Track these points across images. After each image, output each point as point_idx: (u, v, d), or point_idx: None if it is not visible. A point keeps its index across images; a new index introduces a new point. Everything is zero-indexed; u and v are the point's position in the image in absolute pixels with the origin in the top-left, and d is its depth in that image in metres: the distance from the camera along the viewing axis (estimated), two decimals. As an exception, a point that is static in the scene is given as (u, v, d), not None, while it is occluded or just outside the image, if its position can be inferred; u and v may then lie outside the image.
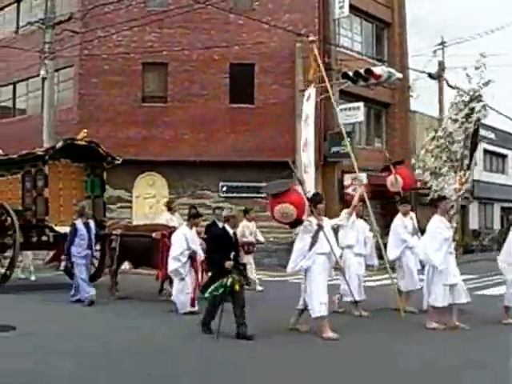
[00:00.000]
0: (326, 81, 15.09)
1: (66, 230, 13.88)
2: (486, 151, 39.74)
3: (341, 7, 24.84)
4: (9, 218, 14.63)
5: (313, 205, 9.78)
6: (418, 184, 29.07)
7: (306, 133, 16.91)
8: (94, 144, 15.69)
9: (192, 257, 11.70)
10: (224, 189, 24.35)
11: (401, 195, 13.35)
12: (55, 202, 15.23)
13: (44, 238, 14.89)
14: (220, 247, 9.88)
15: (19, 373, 7.24)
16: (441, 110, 28.46)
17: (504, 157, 42.72)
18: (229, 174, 24.04)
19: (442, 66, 28.45)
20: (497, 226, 40.70)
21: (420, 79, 30.17)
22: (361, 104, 24.46)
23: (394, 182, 13.22)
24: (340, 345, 9.08)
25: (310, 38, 16.79)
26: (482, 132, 38.81)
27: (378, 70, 19.87)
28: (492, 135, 39.78)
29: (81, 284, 12.84)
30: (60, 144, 15.09)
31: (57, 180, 15.44)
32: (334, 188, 25.07)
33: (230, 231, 10.20)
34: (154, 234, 12.94)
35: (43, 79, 21.98)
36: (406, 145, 29.70)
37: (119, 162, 16.18)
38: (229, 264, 9.35)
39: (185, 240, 11.62)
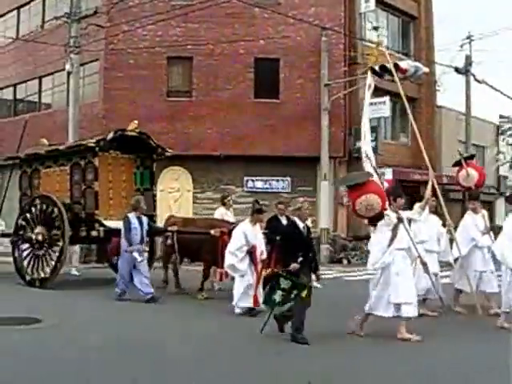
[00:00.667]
0: (395, 75, 14.53)
1: (115, 224, 13.43)
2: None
3: (367, 1, 24.66)
4: (57, 212, 13.98)
5: (392, 198, 9.26)
6: (445, 179, 28.90)
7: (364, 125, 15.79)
8: (145, 135, 14.98)
9: (252, 253, 10.91)
10: (248, 183, 24.31)
11: (472, 190, 12.72)
12: (104, 195, 14.55)
13: (94, 233, 14.09)
14: (287, 246, 9.06)
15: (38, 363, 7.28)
16: (468, 105, 28.15)
17: (532, 153, 42.20)
18: (253, 168, 23.99)
19: (468, 60, 28.10)
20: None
21: (447, 74, 29.89)
22: (387, 98, 24.25)
23: (465, 176, 12.48)
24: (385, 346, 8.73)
25: (374, 25, 16.10)
26: (510, 127, 38.52)
27: (405, 64, 19.56)
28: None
29: (118, 279, 12.48)
30: (111, 135, 14.23)
31: (106, 172, 14.71)
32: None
33: (300, 225, 9.11)
34: (212, 231, 12.30)
35: (68, 73, 22.06)
36: (432, 140, 29.41)
37: (169, 154, 15.66)
38: (294, 267, 8.62)
39: (244, 236, 10.91)
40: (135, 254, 12.11)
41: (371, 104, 24.23)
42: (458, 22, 41.83)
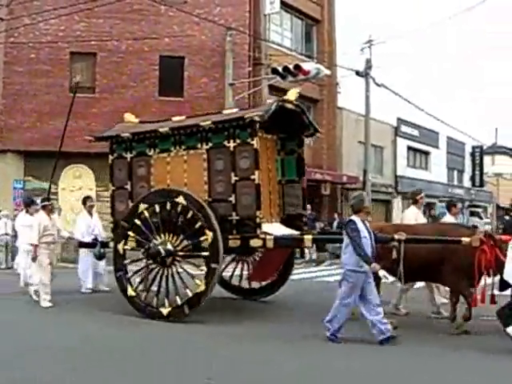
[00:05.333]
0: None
1: (275, 230, 10.69)
2: (409, 148, 40.84)
3: (272, 3, 25.10)
4: (197, 213, 10.17)
5: None
6: (345, 178, 29.73)
7: None
8: (301, 109, 11.51)
9: None
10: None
11: None
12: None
13: (256, 243, 10.41)
14: None
15: None
16: (367, 107, 28.98)
17: (427, 153, 43.96)
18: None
19: (368, 63, 28.94)
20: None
21: (348, 76, 30.71)
22: (289, 99, 24.72)
23: None
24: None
25: None
26: (406, 129, 40.03)
27: (307, 66, 20.20)
28: (416, 132, 40.92)
29: (341, 314, 8.67)
30: (274, 106, 10.69)
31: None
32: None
33: None
34: (465, 239, 9.01)
35: (-34, 66, 21.36)
36: (332, 140, 30.23)
37: (318, 137, 12.90)
38: None
39: None
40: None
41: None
42: (359, 27, 43.08)
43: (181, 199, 10.35)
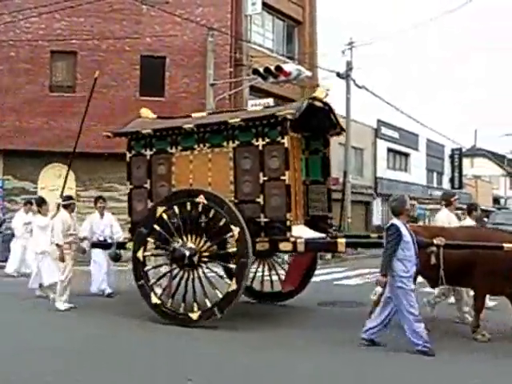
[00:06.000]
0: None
1: (302, 232, 10.29)
2: (389, 150, 41.10)
3: (253, 4, 25.16)
4: (224, 215, 9.76)
5: None
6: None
7: None
8: (328, 107, 11.20)
9: None
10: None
11: None
12: None
13: (285, 246, 9.96)
14: None
15: None
16: (348, 109, 29.13)
17: (406, 155, 44.27)
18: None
19: (349, 65, 29.11)
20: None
21: (329, 78, 30.87)
22: (270, 100, 24.79)
23: None
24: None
25: None
26: (386, 131, 40.26)
27: (288, 67, 20.24)
28: (396, 134, 41.19)
29: (411, 323, 8.18)
30: (305, 104, 10.32)
31: None
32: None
33: None
34: (508, 246, 8.60)
35: None
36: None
37: (341, 136, 12.56)
38: None
39: None
40: (408, 282, 8.25)
41: (255, 106, 24.85)
42: (340, 28, 43.27)
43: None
